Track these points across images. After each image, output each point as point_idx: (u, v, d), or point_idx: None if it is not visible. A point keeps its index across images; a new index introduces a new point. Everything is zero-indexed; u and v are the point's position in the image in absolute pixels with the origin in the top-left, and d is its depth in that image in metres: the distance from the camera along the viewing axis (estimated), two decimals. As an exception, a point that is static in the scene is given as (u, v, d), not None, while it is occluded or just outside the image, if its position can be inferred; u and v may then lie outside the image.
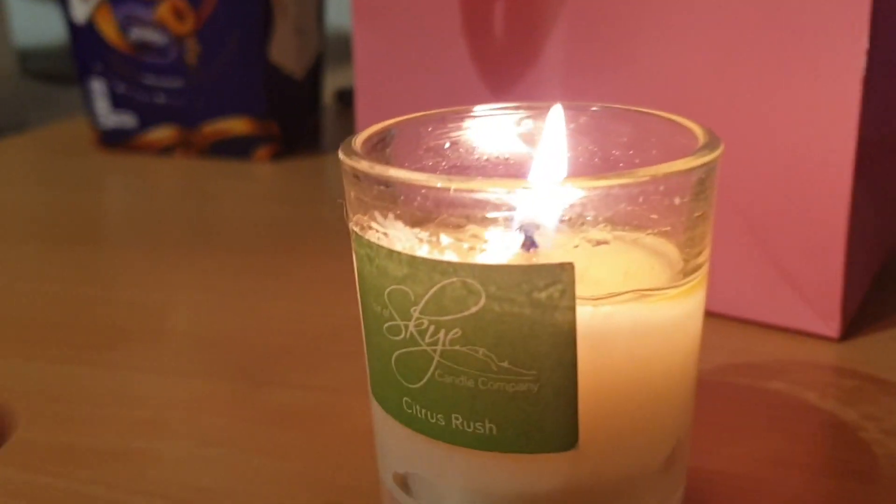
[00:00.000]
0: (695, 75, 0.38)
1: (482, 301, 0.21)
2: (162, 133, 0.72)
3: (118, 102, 0.72)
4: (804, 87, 0.36)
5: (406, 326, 0.23)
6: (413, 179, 0.22)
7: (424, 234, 0.23)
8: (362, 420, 0.30)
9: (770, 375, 0.36)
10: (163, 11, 0.67)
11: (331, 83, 0.86)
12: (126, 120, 0.72)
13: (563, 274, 0.21)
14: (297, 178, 0.68)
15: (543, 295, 0.21)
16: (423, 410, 0.23)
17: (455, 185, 0.21)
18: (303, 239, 0.54)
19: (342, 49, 1.00)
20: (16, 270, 0.51)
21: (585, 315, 0.22)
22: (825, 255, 0.37)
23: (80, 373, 0.37)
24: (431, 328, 0.22)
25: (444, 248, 0.23)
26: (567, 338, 0.22)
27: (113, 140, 0.74)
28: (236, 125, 0.70)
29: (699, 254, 0.24)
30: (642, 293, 0.23)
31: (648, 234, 0.24)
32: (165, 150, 0.72)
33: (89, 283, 0.48)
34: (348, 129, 0.82)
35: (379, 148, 0.26)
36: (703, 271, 0.24)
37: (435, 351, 0.22)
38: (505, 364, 0.22)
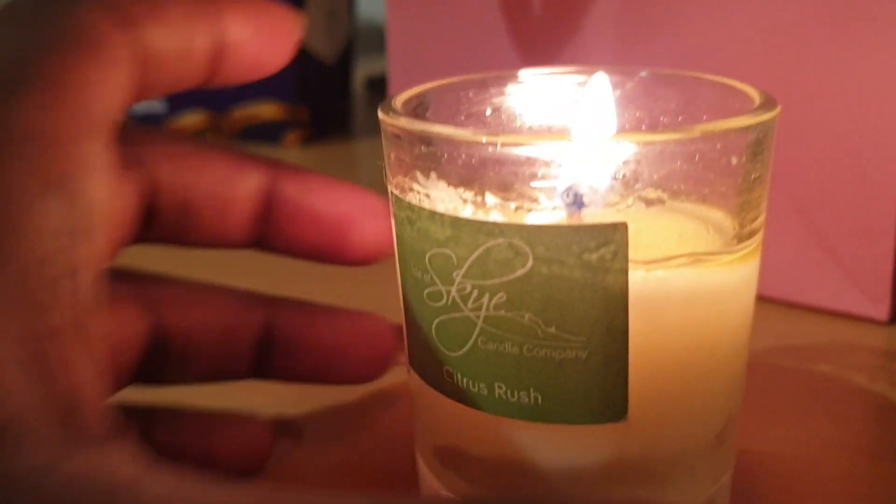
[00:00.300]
0: (744, 47, 0.37)
1: (529, 263, 0.20)
2: (191, 118, 0.71)
3: (147, 87, 0.72)
4: (862, 62, 0.35)
5: (448, 292, 0.22)
6: (456, 136, 0.21)
7: (469, 195, 0.22)
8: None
9: (818, 358, 0.35)
10: None
11: (361, 71, 0.86)
12: (155, 105, 0.72)
13: (615, 234, 0.20)
14: (327, 164, 0.67)
15: (594, 256, 0.20)
16: (465, 380, 0.22)
17: (501, 139, 0.20)
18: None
19: (372, 37, 1.00)
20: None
21: (638, 279, 0.21)
22: (875, 237, 0.36)
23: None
24: (475, 293, 0.21)
25: (489, 208, 0.22)
26: (619, 302, 0.21)
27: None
28: (266, 110, 0.69)
29: (755, 219, 0.23)
30: (697, 257, 0.22)
31: (703, 196, 0.23)
32: (195, 135, 0.72)
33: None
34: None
35: (418, 112, 0.25)
36: (759, 238, 0.23)
37: (478, 317, 0.21)
38: (552, 330, 0.21)
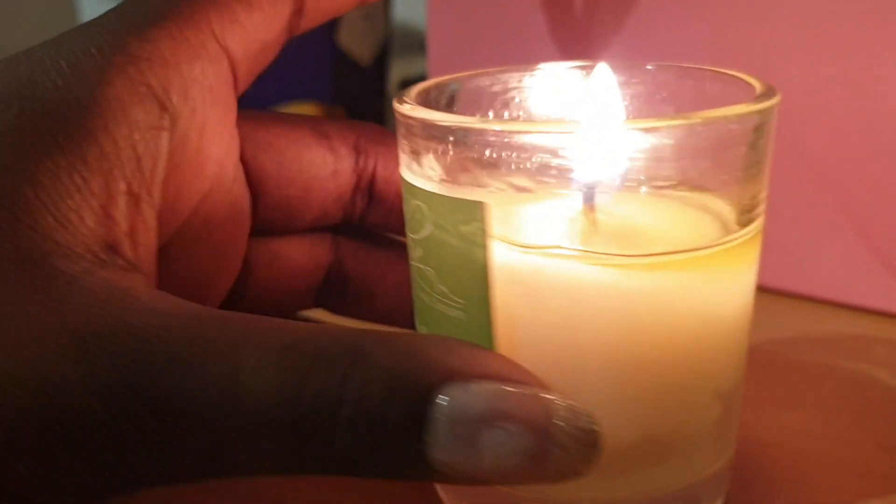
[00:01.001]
0: (785, 42, 0.38)
1: (430, 226, 0.23)
2: (230, 119, 0.72)
3: (188, 89, 0.73)
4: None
5: (409, 245, 0.26)
6: (467, 124, 0.22)
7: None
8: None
9: (853, 355, 0.35)
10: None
11: (395, 73, 0.87)
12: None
13: (479, 212, 0.22)
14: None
15: (465, 229, 0.23)
16: (416, 320, 0.26)
17: (508, 126, 0.22)
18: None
19: (406, 39, 1.01)
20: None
21: (512, 259, 0.23)
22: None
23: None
24: (412, 245, 0.25)
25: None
26: (482, 275, 0.23)
27: (183, 126, 0.74)
28: (303, 111, 0.70)
29: (755, 206, 0.24)
30: (688, 251, 0.23)
31: (705, 184, 0.24)
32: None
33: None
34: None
35: (444, 107, 0.27)
36: (759, 224, 0.24)
37: (413, 266, 0.25)
38: (443, 288, 0.24)
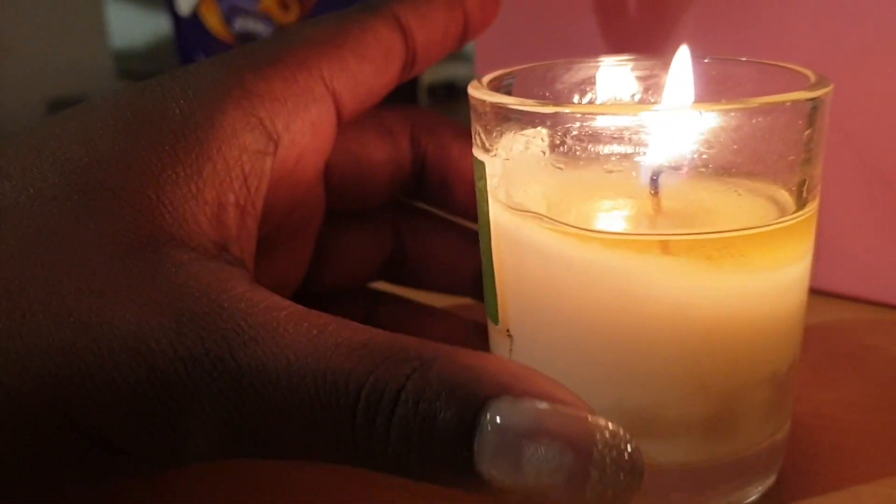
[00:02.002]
0: (839, 37, 0.38)
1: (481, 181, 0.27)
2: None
3: (220, 93, 0.74)
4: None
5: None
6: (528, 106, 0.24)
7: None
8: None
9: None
10: (267, 2, 0.69)
11: (423, 78, 0.88)
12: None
13: (482, 171, 0.26)
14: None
15: (480, 184, 0.27)
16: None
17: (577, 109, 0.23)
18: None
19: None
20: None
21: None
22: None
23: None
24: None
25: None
26: (487, 227, 0.27)
27: (214, 129, 0.76)
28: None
29: (812, 189, 0.25)
30: (747, 231, 0.24)
31: (761, 169, 0.25)
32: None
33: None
34: (441, 122, 0.83)
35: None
36: (815, 206, 0.25)
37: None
38: (482, 244, 0.28)
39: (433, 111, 0.34)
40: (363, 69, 0.30)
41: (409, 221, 0.37)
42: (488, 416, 0.21)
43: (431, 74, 0.94)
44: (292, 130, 0.28)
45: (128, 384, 0.23)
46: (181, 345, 0.23)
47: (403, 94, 0.76)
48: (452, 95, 0.90)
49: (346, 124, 0.31)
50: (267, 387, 0.22)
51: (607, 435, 0.21)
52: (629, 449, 0.21)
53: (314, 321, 0.23)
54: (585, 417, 0.21)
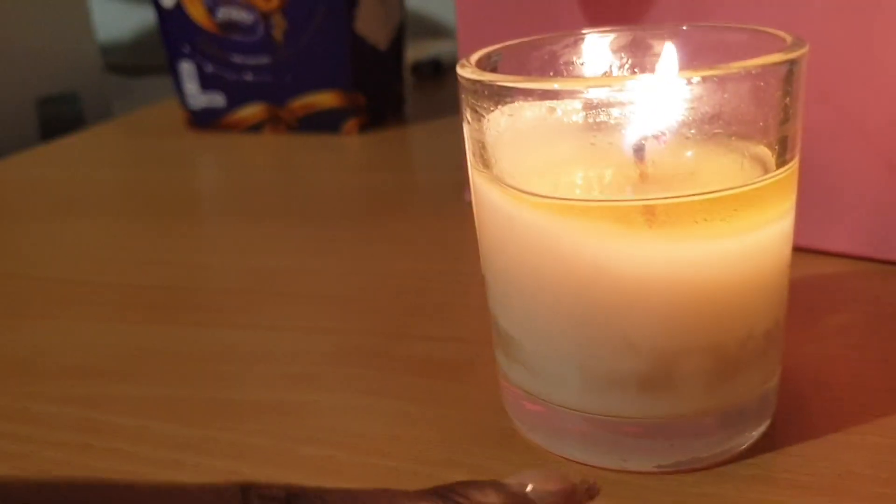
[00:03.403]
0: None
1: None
2: (251, 111, 0.74)
3: (207, 83, 0.75)
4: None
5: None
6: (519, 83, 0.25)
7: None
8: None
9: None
10: (249, -10, 0.70)
11: (409, 56, 0.88)
12: (215, 99, 0.75)
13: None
14: (387, 148, 0.69)
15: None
16: None
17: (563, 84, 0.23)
18: (405, 203, 0.55)
19: (414, 24, 1.02)
20: (128, 243, 0.52)
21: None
22: None
23: (225, 334, 0.39)
24: None
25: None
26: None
27: (203, 120, 0.76)
28: (324, 99, 0.71)
29: (790, 150, 0.26)
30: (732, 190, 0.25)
31: (743, 129, 0.26)
32: (254, 127, 0.74)
33: (201, 252, 0.50)
34: (427, 100, 0.83)
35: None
36: (795, 164, 0.26)
37: None
38: None
39: None
40: None
41: None
42: None
43: (416, 52, 0.94)
44: None
45: None
46: None
47: (392, 74, 0.76)
48: (438, 73, 0.91)
49: None
50: None
51: None
52: None
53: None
54: None
